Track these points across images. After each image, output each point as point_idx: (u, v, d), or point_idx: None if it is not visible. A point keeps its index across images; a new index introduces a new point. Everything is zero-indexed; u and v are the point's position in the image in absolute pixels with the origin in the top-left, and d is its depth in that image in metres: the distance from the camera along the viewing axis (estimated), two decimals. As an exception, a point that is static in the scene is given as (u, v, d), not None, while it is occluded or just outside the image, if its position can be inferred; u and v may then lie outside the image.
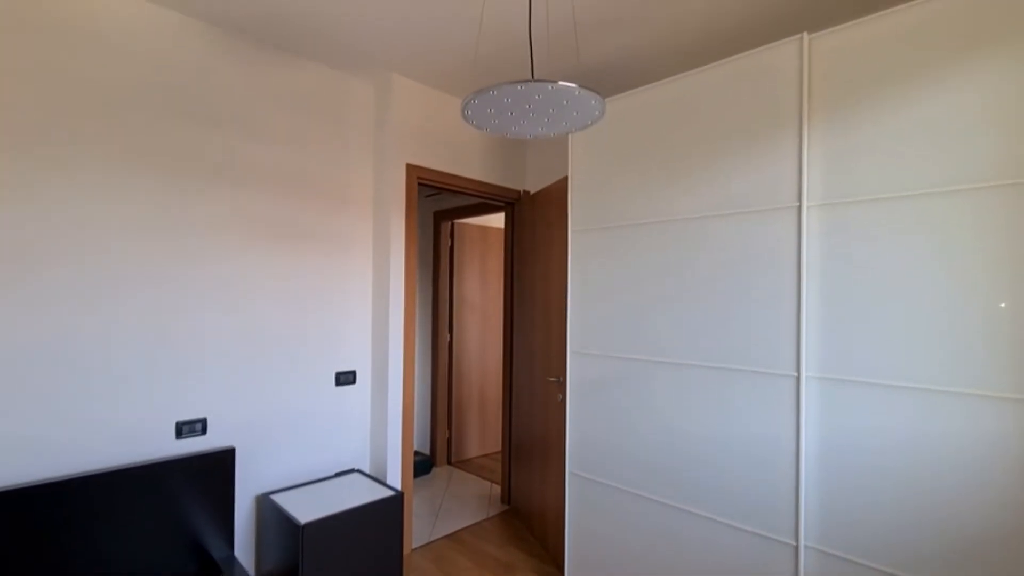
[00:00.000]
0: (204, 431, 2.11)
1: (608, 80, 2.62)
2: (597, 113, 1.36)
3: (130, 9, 1.93)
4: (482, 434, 4.30)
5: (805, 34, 1.64)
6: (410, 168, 2.64)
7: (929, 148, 1.43)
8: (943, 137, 1.41)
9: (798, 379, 1.65)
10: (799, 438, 1.64)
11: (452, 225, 4.10)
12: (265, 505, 2.22)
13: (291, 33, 2.20)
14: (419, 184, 2.72)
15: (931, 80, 1.43)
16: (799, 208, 1.65)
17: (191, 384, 2.08)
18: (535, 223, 2.98)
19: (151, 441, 1.98)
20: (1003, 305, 1.32)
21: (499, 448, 4.40)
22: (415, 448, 4.19)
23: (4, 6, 1.69)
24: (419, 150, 2.69)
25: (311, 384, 2.46)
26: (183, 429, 2.05)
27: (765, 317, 1.72)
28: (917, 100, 1.45)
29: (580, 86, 1.21)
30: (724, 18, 2.06)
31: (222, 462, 2.08)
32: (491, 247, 4.35)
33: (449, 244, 4.10)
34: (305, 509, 2.11)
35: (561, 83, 1.19)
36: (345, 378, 2.59)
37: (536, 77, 2.57)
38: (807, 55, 1.64)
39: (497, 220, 4.49)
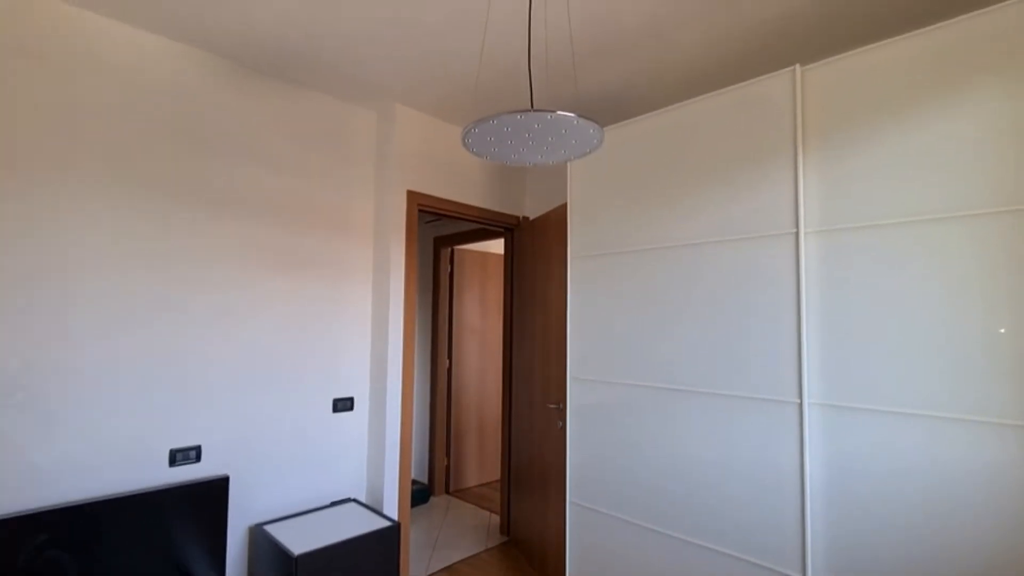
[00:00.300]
0: (198, 459, 2.07)
1: (606, 109, 2.68)
2: (595, 141, 1.38)
3: (136, 40, 1.98)
4: (481, 462, 4.23)
5: (797, 66, 1.68)
6: (411, 195, 2.67)
7: (926, 176, 1.45)
8: (940, 165, 1.43)
9: (800, 406, 1.63)
10: (803, 466, 1.62)
11: (452, 251, 4.13)
12: (258, 536, 2.17)
13: (295, 65, 2.25)
14: (419, 210, 2.75)
15: (925, 110, 1.46)
16: (796, 234, 1.66)
17: (186, 410, 2.05)
18: (534, 249, 3.00)
19: (144, 468, 1.95)
20: (1002, 331, 1.32)
21: (498, 477, 4.32)
22: (412, 477, 4.12)
23: (11, 33, 1.73)
24: (420, 177, 2.73)
25: (308, 410, 2.43)
26: (177, 456, 2.02)
27: (765, 343, 1.72)
28: (912, 129, 1.48)
29: (579, 115, 1.23)
30: (715, 51, 2.11)
31: (215, 491, 2.03)
32: (491, 273, 4.36)
33: (449, 270, 4.12)
34: (299, 540, 2.06)
35: (560, 112, 1.22)
36: (343, 404, 2.56)
37: (535, 107, 2.63)
38: (800, 86, 1.68)
39: (497, 246, 4.52)
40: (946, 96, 1.42)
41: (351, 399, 2.60)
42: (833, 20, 1.90)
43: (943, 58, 1.43)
